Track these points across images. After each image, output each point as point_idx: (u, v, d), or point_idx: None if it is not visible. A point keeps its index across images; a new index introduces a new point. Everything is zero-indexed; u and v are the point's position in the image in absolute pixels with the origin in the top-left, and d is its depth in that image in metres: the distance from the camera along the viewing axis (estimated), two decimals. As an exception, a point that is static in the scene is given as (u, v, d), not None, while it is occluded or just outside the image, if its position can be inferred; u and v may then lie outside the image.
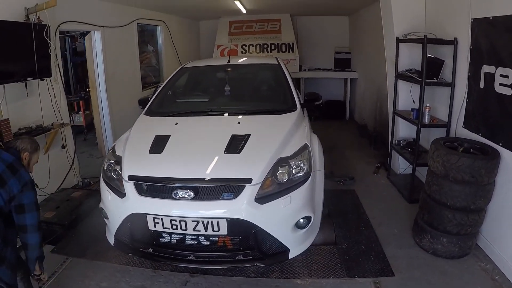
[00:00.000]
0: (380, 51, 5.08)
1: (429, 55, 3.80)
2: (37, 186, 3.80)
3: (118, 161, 2.92)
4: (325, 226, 3.42)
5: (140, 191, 2.69)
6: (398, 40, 4.25)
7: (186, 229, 2.58)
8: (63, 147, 4.40)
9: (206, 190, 2.61)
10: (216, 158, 2.77)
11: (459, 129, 3.57)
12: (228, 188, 2.60)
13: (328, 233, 3.45)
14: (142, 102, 4.09)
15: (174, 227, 2.58)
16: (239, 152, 2.80)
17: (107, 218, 2.91)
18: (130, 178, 2.72)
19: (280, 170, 2.72)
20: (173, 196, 2.58)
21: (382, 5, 4.70)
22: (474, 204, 2.90)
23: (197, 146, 2.98)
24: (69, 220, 3.61)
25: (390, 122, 4.89)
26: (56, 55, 4.19)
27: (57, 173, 4.30)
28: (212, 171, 2.67)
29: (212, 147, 2.89)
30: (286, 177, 2.71)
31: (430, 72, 3.80)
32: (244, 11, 7.50)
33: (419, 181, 4.18)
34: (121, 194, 2.74)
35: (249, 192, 2.57)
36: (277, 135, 3.02)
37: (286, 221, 2.66)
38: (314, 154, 3.00)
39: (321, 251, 3.19)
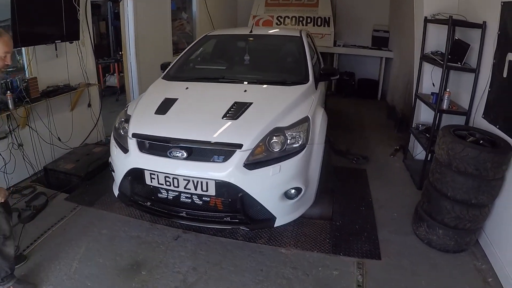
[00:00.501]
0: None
1: (456, 37, 3.58)
2: (60, 140, 4.17)
3: (128, 119, 3.10)
4: (324, 201, 3.45)
5: (141, 148, 2.86)
6: (426, 20, 4.01)
7: (178, 187, 2.73)
8: (89, 105, 4.69)
9: (198, 151, 2.73)
10: (213, 122, 2.86)
11: (477, 119, 3.37)
12: (219, 151, 2.71)
13: (327, 208, 3.46)
14: (164, 67, 4.19)
15: (168, 183, 2.74)
16: (236, 119, 2.86)
17: (113, 171, 3.14)
18: (134, 135, 2.90)
19: (274, 139, 2.76)
20: (168, 154, 2.73)
21: (414, -18, 4.43)
22: (476, 199, 2.75)
23: (199, 110, 3.08)
24: (85, 173, 3.89)
25: (413, 104, 4.71)
26: (87, 20, 4.41)
27: (82, 130, 4.62)
28: (206, 134, 2.76)
29: (213, 112, 2.97)
30: (280, 146, 2.75)
31: (454, 56, 3.58)
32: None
33: (433, 168, 4.03)
34: (125, 150, 2.94)
35: (238, 157, 2.66)
36: (279, 105, 3.04)
37: (274, 189, 2.73)
38: (315, 128, 2.99)
39: (314, 225, 3.23)
